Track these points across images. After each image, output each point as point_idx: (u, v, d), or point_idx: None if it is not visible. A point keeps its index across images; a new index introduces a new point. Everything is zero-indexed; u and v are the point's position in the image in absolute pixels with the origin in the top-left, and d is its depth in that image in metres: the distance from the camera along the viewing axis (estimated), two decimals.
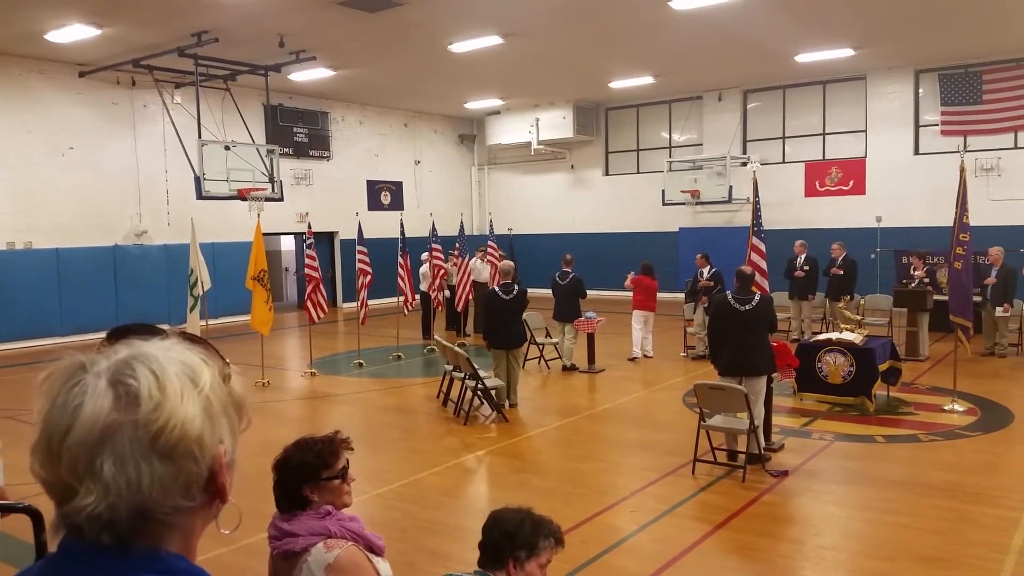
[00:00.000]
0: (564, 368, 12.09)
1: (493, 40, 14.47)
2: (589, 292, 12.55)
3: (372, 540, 2.65)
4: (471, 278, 14.49)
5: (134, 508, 0.92)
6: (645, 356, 12.76)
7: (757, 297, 7.48)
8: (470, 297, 14.54)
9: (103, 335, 2.09)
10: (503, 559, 2.73)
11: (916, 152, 18.43)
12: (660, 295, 13.44)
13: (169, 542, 0.97)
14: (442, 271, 14.32)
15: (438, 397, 10.10)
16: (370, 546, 2.62)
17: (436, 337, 11.87)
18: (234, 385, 1.05)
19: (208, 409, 0.97)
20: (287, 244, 22.89)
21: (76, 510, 0.91)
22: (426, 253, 14.63)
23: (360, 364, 12.70)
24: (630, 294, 12.98)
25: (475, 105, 22.24)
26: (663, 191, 20.44)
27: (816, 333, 12.11)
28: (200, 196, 14.73)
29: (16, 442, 4.34)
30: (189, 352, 1.01)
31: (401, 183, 22.93)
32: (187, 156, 15.05)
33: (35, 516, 2.69)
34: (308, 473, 2.64)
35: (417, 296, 14.70)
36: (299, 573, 2.50)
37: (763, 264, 10.04)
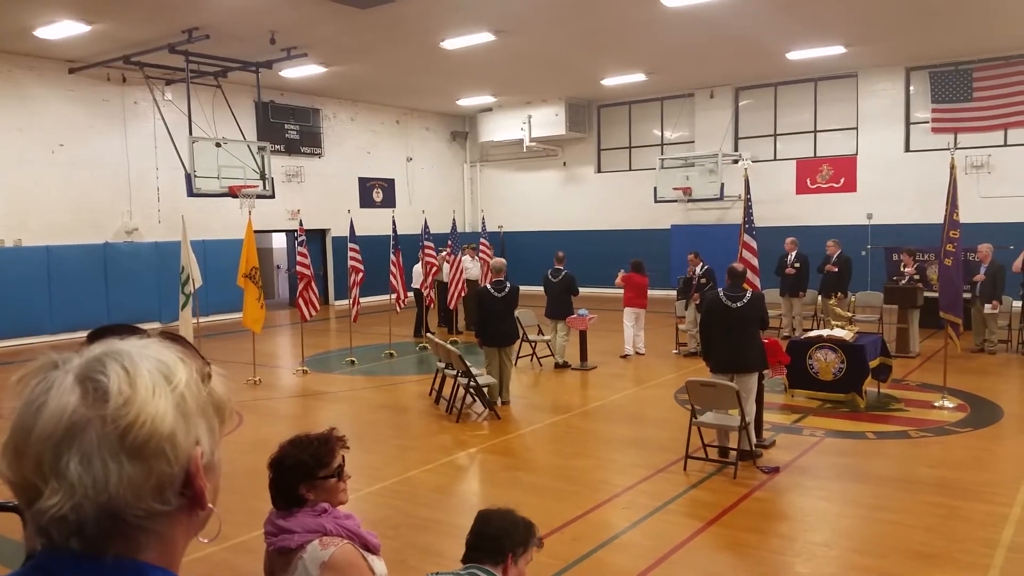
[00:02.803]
0: (556, 365, 12.10)
1: (485, 37, 14.45)
2: (581, 289, 12.55)
3: (368, 538, 2.65)
4: (463, 276, 14.48)
5: (101, 509, 0.87)
6: (637, 353, 12.78)
7: (749, 294, 7.50)
8: (462, 295, 14.54)
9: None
10: (503, 553, 2.79)
11: (907, 149, 18.50)
12: (652, 292, 13.45)
13: (146, 550, 0.92)
14: (434, 268, 14.30)
15: (430, 395, 10.09)
16: (366, 544, 2.63)
17: (428, 335, 11.87)
18: (215, 386, 1.01)
19: (182, 407, 0.93)
20: (279, 242, 22.82)
21: (41, 511, 0.87)
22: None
23: (352, 362, 12.68)
24: (622, 291, 12.99)
25: (467, 102, 22.22)
26: (655, 188, 20.46)
27: (807, 330, 12.14)
28: (191, 193, 14.68)
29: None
30: (166, 350, 0.97)
31: (393, 180, 22.89)
32: (178, 153, 15.00)
33: (25, 516, 2.68)
34: (304, 472, 2.64)
35: (410, 294, 14.70)
36: (294, 570, 2.51)
37: (755, 261, 10.06)
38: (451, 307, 14.90)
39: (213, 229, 17.60)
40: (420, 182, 23.71)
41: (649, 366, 12.16)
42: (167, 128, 15.73)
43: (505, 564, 2.79)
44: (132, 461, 0.88)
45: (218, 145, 14.93)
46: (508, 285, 9.83)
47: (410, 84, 19.30)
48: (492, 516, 2.92)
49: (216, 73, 15.97)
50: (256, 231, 11.73)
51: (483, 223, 17.00)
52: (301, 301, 11.97)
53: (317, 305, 12.29)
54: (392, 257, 13.49)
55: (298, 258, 12.26)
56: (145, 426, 0.89)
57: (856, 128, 19.03)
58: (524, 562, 2.85)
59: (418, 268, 14.94)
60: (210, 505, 0.98)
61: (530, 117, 22.32)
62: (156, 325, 15.49)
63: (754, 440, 7.30)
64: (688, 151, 20.86)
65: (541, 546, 2.97)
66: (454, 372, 9.33)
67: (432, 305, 15.20)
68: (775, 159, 20.17)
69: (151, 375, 0.92)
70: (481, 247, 15.83)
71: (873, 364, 9.44)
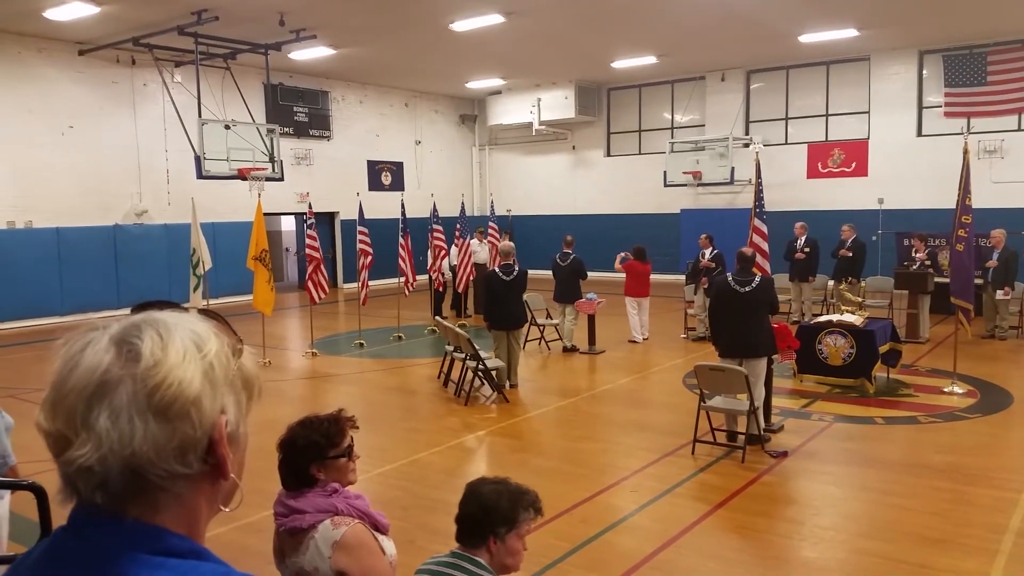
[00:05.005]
0: (564, 349, 12.11)
1: (495, 19, 14.37)
2: (590, 274, 12.51)
3: (377, 518, 2.67)
4: (471, 259, 14.46)
5: (125, 464, 0.91)
6: (644, 339, 12.75)
7: (757, 279, 7.48)
8: (471, 278, 14.53)
9: (104, 314, 2.09)
10: (483, 535, 2.68)
11: (919, 134, 18.35)
12: (662, 277, 13.40)
13: (164, 511, 0.95)
14: (442, 252, 14.30)
15: (439, 377, 10.12)
16: (376, 524, 2.65)
17: (437, 318, 11.89)
18: (245, 362, 1.05)
19: (210, 375, 0.97)
20: (288, 224, 22.85)
21: (70, 460, 0.92)
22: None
23: (361, 344, 12.72)
24: (624, 276, 12.85)
25: (476, 85, 22.13)
26: (665, 172, 20.36)
27: (817, 315, 12.10)
28: (200, 175, 14.71)
29: (18, 420, 4.34)
30: (200, 322, 1.02)
31: (402, 163, 22.86)
32: (187, 135, 15.00)
33: (40, 493, 2.70)
34: (314, 452, 2.65)
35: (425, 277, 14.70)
36: (305, 549, 2.53)
37: (765, 246, 10.00)
38: (460, 290, 14.90)
39: (222, 211, 17.63)
40: (429, 165, 23.67)
41: (657, 350, 12.15)
42: (176, 110, 15.74)
43: (487, 545, 2.68)
44: (157, 420, 0.92)
45: (227, 127, 14.92)
46: (516, 269, 9.82)
47: (419, 67, 19.22)
48: (476, 492, 2.76)
49: (225, 55, 15.95)
50: (265, 214, 11.75)
51: (492, 207, 16.97)
52: (310, 284, 11.99)
53: (326, 288, 12.31)
54: (401, 240, 13.49)
55: (307, 241, 12.27)
56: (172, 388, 0.93)
57: (868, 112, 18.88)
58: (515, 537, 2.70)
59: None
60: (232, 476, 1.01)
61: (539, 100, 22.22)
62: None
63: (762, 424, 7.30)
64: (698, 135, 20.73)
65: (539, 513, 2.78)
66: (462, 355, 9.34)
67: (442, 289, 15.18)
68: (786, 143, 20.04)
69: (183, 342, 0.97)
70: (490, 231, 15.80)
71: (883, 349, 9.40)
